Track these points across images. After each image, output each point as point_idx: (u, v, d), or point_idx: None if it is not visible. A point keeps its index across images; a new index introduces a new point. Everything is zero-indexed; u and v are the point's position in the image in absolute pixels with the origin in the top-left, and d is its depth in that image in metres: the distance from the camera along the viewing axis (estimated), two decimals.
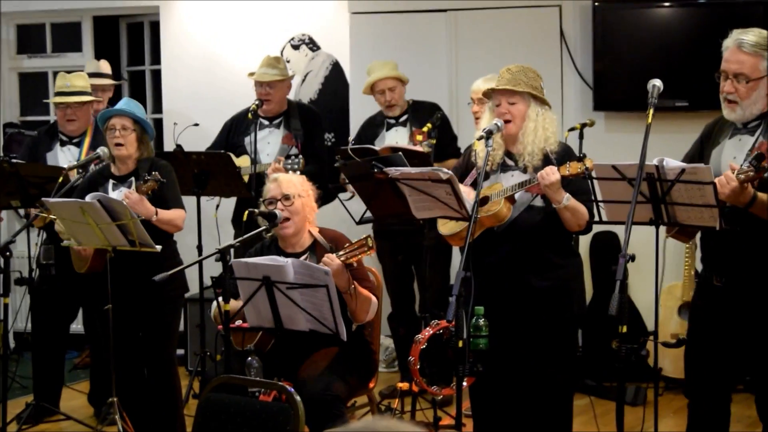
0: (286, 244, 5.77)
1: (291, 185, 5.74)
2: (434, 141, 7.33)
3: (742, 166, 4.79)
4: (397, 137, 7.74)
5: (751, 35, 5.03)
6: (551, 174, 5.13)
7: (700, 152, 5.12)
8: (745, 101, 5.01)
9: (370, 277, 5.86)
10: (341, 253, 5.42)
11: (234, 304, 5.48)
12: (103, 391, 7.27)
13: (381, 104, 7.88)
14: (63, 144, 7.42)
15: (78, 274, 6.52)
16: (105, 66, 8.68)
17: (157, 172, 6.11)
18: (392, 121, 7.85)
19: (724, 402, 5.42)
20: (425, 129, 7.52)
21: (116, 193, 6.16)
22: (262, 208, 5.77)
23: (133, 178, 6.24)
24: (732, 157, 5.03)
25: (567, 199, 5.21)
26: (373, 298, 5.64)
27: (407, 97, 7.94)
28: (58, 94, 7.42)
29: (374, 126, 7.97)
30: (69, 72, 7.62)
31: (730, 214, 4.88)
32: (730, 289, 5.12)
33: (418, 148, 7.17)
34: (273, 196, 5.72)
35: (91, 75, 8.53)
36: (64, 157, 7.32)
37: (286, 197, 5.69)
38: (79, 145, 7.40)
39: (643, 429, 5.33)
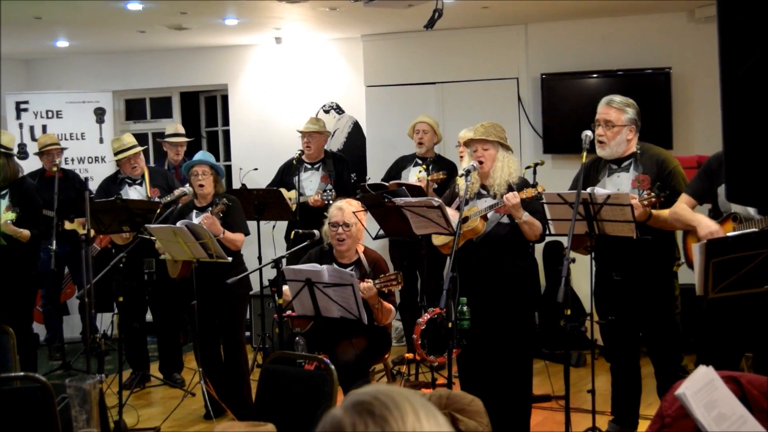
0: (339, 255, 5.71)
1: (351, 216, 5.64)
2: (441, 176, 7.30)
3: (643, 194, 4.90)
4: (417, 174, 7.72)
5: (618, 97, 5.30)
6: (514, 197, 5.18)
7: (582, 188, 5.11)
8: (611, 142, 5.22)
9: (394, 293, 5.80)
10: (377, 282, 5.37)
11: (286, 290, 5.49)
12: (170, 364, 7.37)
13: (415, 140, 7.87)
14: (130, 185, 7.34)
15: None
16: (180, 128, 8.73)
17: (225, 199, 6.15)
18: (419, 161, 7.82)
19: (634, 361, 5.48)
20: (422, 168, 7.52)
21: (198, 219, 6.17)
22: (326, 227, 5.73)
23: (210, 208, 6.25)
24: (616, 189, 5.20)
25: (526, 216, 5.25)
26: (393, 309, 5.61)
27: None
28: (120, 152, 7.29)
29: (406, 161, 7.97)
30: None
31: (641, 227, 4.93)
32: (626, 281, 5.27)
33: (421, 184, 7.18)
34: (337, 221, 5.64)
35: (171, 135, 8.58)
36: (134, 194, 7.26)
37: (347, 225, 5.66)
38: (141, 184, 7.35)
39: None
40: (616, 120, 5.19)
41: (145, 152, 9.94)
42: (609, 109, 5.22)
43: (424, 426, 1.44)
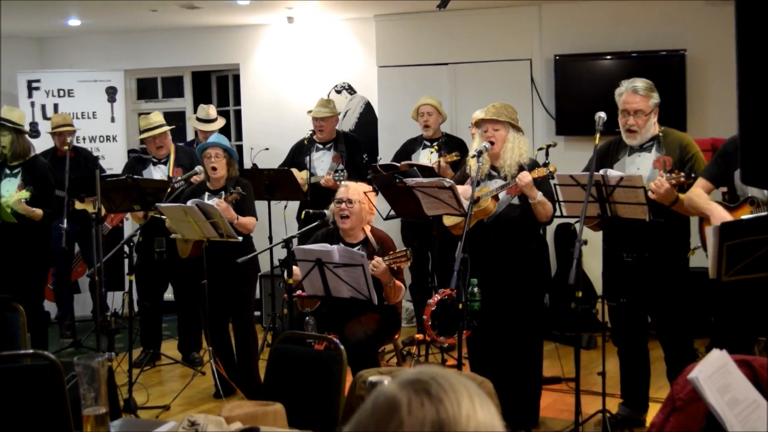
0: (344, 235, 5.70)
1: (355, 193, 5.65)
2: (455, 157, 7.23)
3: (672, 173, 4.83)
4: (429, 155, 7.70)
5: (639, 83, 5.20)
6: (526, 176, 5.16)
7: (598, 167, 5.08)
8: (642, 130, 5.17)
9: (403, 271, 5.78)
10: (387, 258, 5.36)
11: (296, 270, 5.49)
12: (189, 343, 7.34)
13: (420, 124, 7.81)
14: (155, 164, 7.35)
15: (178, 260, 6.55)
16: (212, 112, 8.59)
17: (239, 187, 6.13)
18: (428, 143, 7.80)
19: (642, 345, 5.44)
20: (434, 149, 7.48)
21: (210, 202, 6.16)
22: (332, 205, 5.72)
23: (223, 191, 6.23)
24: (636, 168, 5.15)
25: (540, 196, 5.23)
26: (403, 288, 5.61)
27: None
28: (146, 130, 7.29)
29: (415, 143, 7.91)
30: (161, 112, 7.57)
31: (654, 210, 4.89)
32: (637, 263, 5.21)
33: (433, 165, 7.15)
34: (341, 197, 5.65)
35: (202, 120, 8.48)
36: (158, 173, 7.28)
37: (350, 201, 5.64)
38: (165, 163, 7.34)
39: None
40: (645, 108, 5.13)
41: None
42: (636, 97, 5.13)
43: (479, 413, 1.43)
